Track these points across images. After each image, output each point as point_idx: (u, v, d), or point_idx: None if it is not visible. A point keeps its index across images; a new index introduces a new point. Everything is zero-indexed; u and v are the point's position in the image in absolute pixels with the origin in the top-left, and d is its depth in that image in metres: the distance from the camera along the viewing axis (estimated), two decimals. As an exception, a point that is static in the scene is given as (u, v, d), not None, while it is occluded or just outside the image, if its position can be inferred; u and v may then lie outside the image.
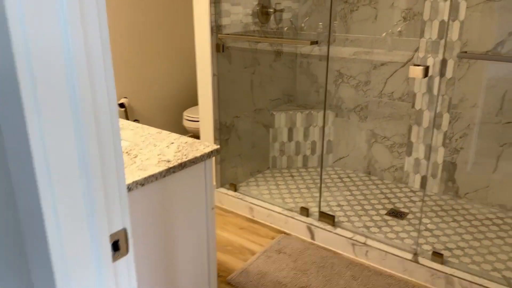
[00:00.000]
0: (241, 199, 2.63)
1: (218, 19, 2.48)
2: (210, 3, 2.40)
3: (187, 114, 3.17)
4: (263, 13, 2.76)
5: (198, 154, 1.25)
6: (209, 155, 1.28)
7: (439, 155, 2.74)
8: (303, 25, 3.15)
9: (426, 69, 1.77)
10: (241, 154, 2.89)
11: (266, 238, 2.39)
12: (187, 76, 3.56)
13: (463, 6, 2.44)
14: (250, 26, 2.71)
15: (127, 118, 3.12)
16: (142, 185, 1.09)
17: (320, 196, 2.53)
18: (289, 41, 2.84)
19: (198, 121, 3.09)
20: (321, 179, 2.50)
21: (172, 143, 1.35)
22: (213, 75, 2.53)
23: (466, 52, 1.75)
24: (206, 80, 2.55)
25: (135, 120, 3.21)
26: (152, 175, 1.12)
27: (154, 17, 3.17)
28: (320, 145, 3.17)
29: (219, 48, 2.50)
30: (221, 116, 2.65)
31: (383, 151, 2.97)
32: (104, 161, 0.57)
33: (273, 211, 2.50)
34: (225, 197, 2.70)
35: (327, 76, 3.12)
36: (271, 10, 2.79)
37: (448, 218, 2.48)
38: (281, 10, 2.89)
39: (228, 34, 2.50)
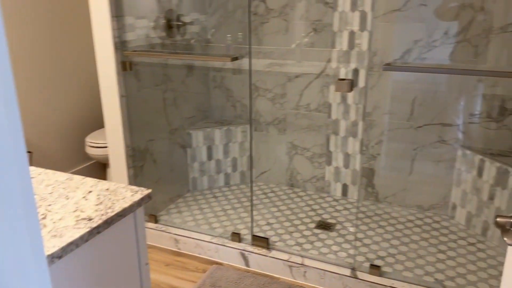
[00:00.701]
0: (163, 231, 2.39)
1: (122, 34, 2.23)
2: (111, 16, 2.13)
3: (90, 140, 2.82)
4: (170, 26, 2.56)
5: (126, 204, 1.03)
6: (139, 203, 1.07)
7: (357, 163, 2.80)
8: (210, 37, 3.01)
9: (352, 82, 1.74)
10: (159, 180, 2.64)
11: (196, 272, 2.19)
12: (88, 97, 3.19)
13: (370, 17, 2.51)
14: (156, 40, 2.49)
15: (17, 150, 2.66)
16: (60, 257, 0.85)
17: (252, 220, 2.40)
18: (207, 58, 2.68)
19: (104, 147, 2.76)
20: (251, 201, 2.37)
21: (90, 192, 1.10)
22: (121, 96, 2.26)
23: (389, 64, 1.76)
24: (113, 102, 2.27)
25: (28, 152, 2.76)
26: (72, 243, 0.88)
27: (46, 33, 2.76)
28: (242, 161, 3.05)
29: (125, 66, 2.24)
30: (133, 141, 2.38)
31: (304, 162, 2.95)
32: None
33: (201, 240, 2.30)
34: (145, 231, 2.43)
35: (250, 90, 3.02)
36: (178, 23, 2.60)
37: (374, 224, 2.53)
38: (189, 23, 2.71)
39: (135, 51, 2.25)
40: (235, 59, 1.97)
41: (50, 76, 2.87)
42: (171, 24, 2.57)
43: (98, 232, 0.95)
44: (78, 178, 1.19)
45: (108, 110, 2.30)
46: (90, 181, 1.17)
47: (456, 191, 2.54)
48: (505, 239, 0.78)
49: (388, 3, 2.45)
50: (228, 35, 2.97)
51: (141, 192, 1.10)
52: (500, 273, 2.06)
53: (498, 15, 2.24)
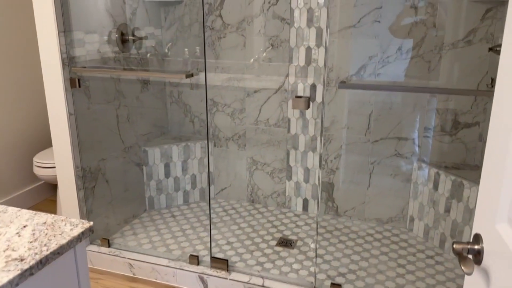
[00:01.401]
0: (117, 255, 2.27)
1: (70, 50, 2.12)
2: (58, 32, 2.02)
3: (38, 160, 2.66)
4: (123, 40, 2.46)
5: (63, 240, 0.94)
6: (79, 238, 0.98)
7: (317, 177, 2.79)
8: (167, 51, 2.93)
9: (308, 100, 1.73)
10: (112, 200, 2.52)
11: (153, 298, 2.09)
12: (36, 115, 3.02)
13: (326, 33, 2.52)
14: (109, 54, 2.39)
15: (-45, 173, 2.47)
16: (-18, 308, 0.75)
17: (210, 241, 2.33)
18: (161, 75, 2.59)
19: (52, 167, 2.61)
20: (210, 220, 2.30)
21: (25, 226, 1.00)
22: (69, 114, 2.14)
23: (344, 82, 1.75)
24: (61, 121, 2.15)
25: (-32, 174, 2.56)
26: (-3, 289, 0.78)
27: (-16, 46, 2.59)
28: (201, 178, 2.97)
29: (74, 83, 2.13)
30: (83, 161, 2.26)
31: (264, 177, 2.91)
32: None
33: (157, 264, 2.20)
34: (97, 256, 2.30)
35: (207, 105, 2.95)
36: (132, 37, 2.51)
37: (334, 239, 2.51)
38: (143, 38, 2.63)
39: (85, 67, 2.14)
40: (190, 75, 1.91)
41: (-7, 93, 2.70)
42: (124, 38, 2.48)
43: (31, 274, 0.85)
44: (12, 210, 1.09)
45: (56, 129, 2.17)
46: (26, 213, 1.07)
47: (413, 204, 2.58)
48: (462, 268, 0.76)
49: (343, 20, 2.48)
50: (186, 49, 2.91)
51: (81, 225, 1.01)
52: (459, 286, 2.09)
53: (449, 32, 2.30)
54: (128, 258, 2.24)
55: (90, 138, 2.30)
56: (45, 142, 3.11)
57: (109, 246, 2.33)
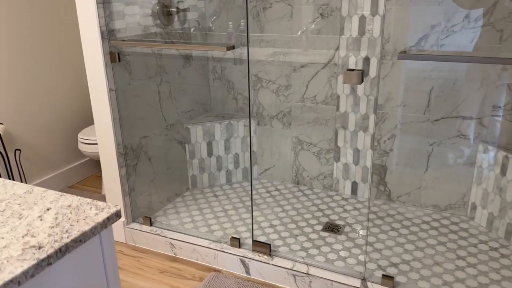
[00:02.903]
0: (158, 234, 2.23)
1: (110, 22, 2.04)
2: (97, 3, 1.94)
3: (82, 136, 2.65)
4: (164, 13, 2.36)
5: (86, 227, 0.85)
6: (104, 224, 0.89)
7: (368, 159, 2.60)
8: (211, 25, 2.81)
9: (362, 73, 1.54)
10: (155, 179, 2.47)
11: (193, 280, 2.02)
12: (79, 90, 3.02)
13: (382, 0, 2.28)
14: (151, 28, 2.30)
15: (4, 149, 2.51)
16: (-8, 302, 0.68)
17: (252, 224, 2.22)
18: (201, 47, 2.47)
19: (96, 143, 2.60)
20: (252, 204, 2.19)
21: (48, 209, 0.93)
22: (110, 90, 2.09)
23: (405, 52, 1.55)
24: (102, 97, 2.09)
25: (17, 150, 2.61)
26: (11, 281, 0.71)
27: (32, 22, 2.59)
28: (244, 157, 2.87)
29: (114, 57, 2.06)
30: (124, 138, 2.21)
31: (311, 158, 2.76)
32: None
33: (198, 245, 2.13)
34: (139, 234, 2.27)
35: (249, 81, 2.82)
36: (174, 9, 2.40)
37: (386, 226, 2.33)
38: (186, 10, 2.51)
39: (124, 41, 2.06)
40: (231, 48, 1.77)
41: (37, 70, 2.71)
42: (166, 11, 2.37)
43: (49, 264, 0.77)
44: (39, 191, 1.02)
45: (97, 106, 2.13)
46: (51, 195, 0.99)
47: (477, 190, 2.33)
48: None
49: (403, -16, 2.22)
50: (230, 23, 2.77)
51: (108, 209, 0.92)
52: (528, 284, 1.87)
53: (527, -5, 2.00)
54: (170, 238, 2.20)
55: (132, 114, 2.24)
56: (90, 119, 3.12)
57: (151, 225, 2.29)
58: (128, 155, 2.25)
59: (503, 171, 2.15)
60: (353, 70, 1.56)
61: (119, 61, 2.08)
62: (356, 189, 2.69)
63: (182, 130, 2.66)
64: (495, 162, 2.19)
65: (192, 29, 2.74)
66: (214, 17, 2.79)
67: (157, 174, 2.49)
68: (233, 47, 1.77)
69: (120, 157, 2.20)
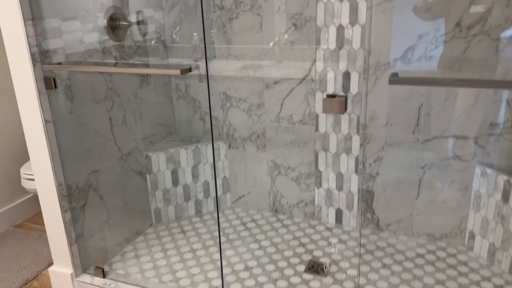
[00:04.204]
0: (113, 288, 1.89)
1: (43, 42, 1.70)
2: (24, 20, 1.61)
3: (25, 171, 2.29)
4: (114, 27, 2.03)
5: None
6: None
7: (353, 184, 2.32)
8: (174, 36, 2.49)
9: (345, 100, 1.25)
10: (109, 219, 2.13)
11: None
12: (19, 120, 2.65)
13: (363, 7, 2.01)
14: (96, 45, 1.97)
15: None
16: None
17: (221, 268, 1.92)
18: (149, 70, 2.13)
19: (43, 178, 2.24)
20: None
21: None
22: (46, 121, 1.74)
23: (397, 74, 1.27)
24: (36, 130, 1.75)
25: None
26: None
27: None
28: (215, 184, 2.56)
29: (49, 83, 1.72)
30: (68, 177, 1.87)
31: (289, 184, 2.46)
32: None
33: (160, 301, 1.81)
34: (91, 288, 1.93)
35: (209, 99, 2.51)
36: (125, 23, 2.07)
37: (376, 262, 2.05)
38: (139, 23, 2.19)
39: (60, 63, 1.73)
40: (186, 71, 1.46)
41: (-27, 94, 2.34)
42: (115, 25, 2.04)
43: None
44: None
45: (32, 141, 1.78)
46: None
47: (475, 217, 2.08)
48: None
49: (385, -11, 1.96)
50: (195, 34, 2.46)
51: None
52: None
53: (526, 0, 1.76)
54: (126, 292, 1.86)
55: (77, 148, 1.90)
56: (40, 146, 2.75)
57: (104, 276, 1.96)
58: (73, 196, 1.91)
59: (505, 198, 1.90)
60: (334, 96, 1.27)
61: (56, 87, 1.74)
62: (340, 217, 2.41)
63: (142, 159, 2.33)
64: (495, 187, 1.95)
65: (153, 42, 2.42)
66: (178, 28, 2.47)
67: (112, 213, 2.15)
68: (190, 70, 1.46)
69: (63, 200, 1.85)
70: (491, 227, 2.00)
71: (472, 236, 2.11)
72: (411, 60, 2.02)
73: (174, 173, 2.44)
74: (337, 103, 1.23)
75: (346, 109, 1.27)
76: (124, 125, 2.18)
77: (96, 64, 1.85)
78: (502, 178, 1.90)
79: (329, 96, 1.26)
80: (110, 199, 2.12)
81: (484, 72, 1.92)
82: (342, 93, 2.16)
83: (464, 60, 1.91)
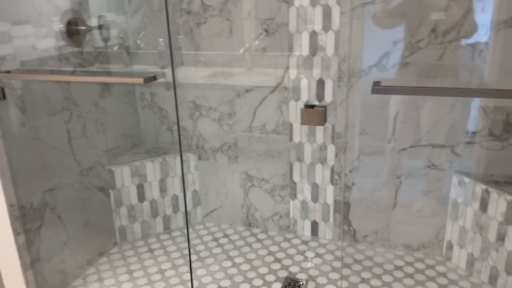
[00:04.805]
0: (73, 318, 1.72)
1: (-10, 48, 1.53)
2: (-34, 22, 1.43)
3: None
4: (71, 32, 1.87)
5: None
6: None
7: (329, 195, 2.24)
8: (139, 42, 2.34)
9: (325, 111, 1.16)
10: (68, 240, 1.95)
11: None
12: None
13: (336, 13, 1.94)
14: (52, 51, 1.81)
15: None
16: None
17: (192, 291, 1.78)
18: (110, 79, 1.98)
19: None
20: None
21: None
22: (-5, 137, 1.57)
23: (379, 83, 1.19)
24: (-16, 145, 1.57)
25: None
26: None
27: None
28: (184, 198, 2.42)
29: (-3, 93, 1.55)
30: (21, 196, 1.69)
31: (263, 196, 2.36)
32: None
33: (125, 330, 1.65)
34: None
35: (177, 107, 2.38)
36: (83, 28, 1.92)
37: (355, 277, 1.97)
38: (100, 27, 2.04)
39: (9, 72, 1.56)
40: (150, 79, 1.33)
41: None
42: (73, 29, 1.89)
43: None
44: None
45: (-23, 157, 1.60)
46: None
47: (452, 227, 2.04)
48: None
49: (358, -6, 1.90)
50: (161, 40, 2.32)
51: None
52: None
53: (501, 5, 1.73)
54: (87, 322, 1.70)
55: (30, 164, 1.72)
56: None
57: (62, 305, 1.78)
58: (27, 217, 1.73)
59: (483, 207, 1.87)
60: (312, 106, 1.18)
61: (5, 97, 1.57)
62: (316, 230, 2.32)
63: (104, 174, 2.17)
64: (473, 196, 1.91)
65: (115, 48, 2.27)
66: (143, 33, 2.33)
67: (72, 234, 1.97)
68: (155, 78, 1.34)
69: (15, 222, 1.67)
70: (469, 237, 1.96)
71: (450, 246, 2.07)
72: (386, 67, 1.97)
73: (140, 187, 2.29)
74: (316, 114, 1.14)
75: (325, 120, 1.18)
76: (84, 137, 2.01)
77: (52, 72, 1.69)
78: (480, 187, 1.87)
79: (307, 106, 1.16)
80: (69, 218, 1.94)
81: (460, 79, 1.89)
82: (320, 103, 2.08)
83: (440, 66, 1.87)
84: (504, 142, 1.87)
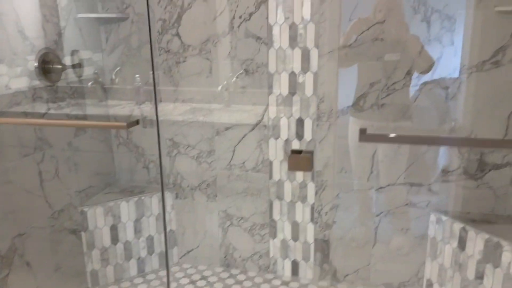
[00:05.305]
0: None
1: (-40, 88, 1.46)
2: None
3: None
4: (46, 71, 1.82)
5: None
6: None
7: (309, 233, 2.22)
8: (114, 77, 2.31)
9: (311, 156, 1.16)
10: (38, 287, 1.84)
11: None
12: None
13: (314, 55, 1.98)
14: (25, 90, 1.74)
15: None
16: None
17: None
18: (89, 124, 1.92)
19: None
20: None
21: None
22: (-39, 181, 1.47)
23: (365, 130, 1.21)
24: (-51, 191, 1.47)
25: None
26: None
27: None
28: (160, 239, 2.33)
29: (-34, 136, 1.46)
30: (-12, 244, 1.58)
31: (242, 235, 2.31)
32: None
33: None
34: None
35: (159, 144, 2.33)
36: (58, 66, 1.87)
37: (338, 319, 1.94)
38: (75, 66, 2.00)
39: (-20, 113, 1.49)
40: (133, 124, 1.30)
41: None
42: (48, 68, 1.84)
43: None
44: None
45: None
46: None
47: (432, 265, 2.05)
48: None
49: (336, 38, 1.95)
50: (137, 75, 2.29)
51: None
52: None
53: (471, 50, 1.82)
54: None
55: (-2, 209, 1.63)
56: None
57: None
58: (-7, 266, 1.61)
59: (462, 245, 1.89)
60: (299, 152, 1.17)
61: (-26, 140, 1.49)
62: (297, 269, 2.28)
63: (76, 215, 2.07)
64: (451, 235, 1.94)
65: (90, 83, 2.22)
66: (118, 68, 2.30)
67: (42, 281, 1.85)
68: (137, 123, 1.30)
69: (-21, 272, 1.56)
70: (448, 275, 1.97)
71: (430, 284, 2.07)
72: (363, 108, 2.01)
73: (114, 229, 2.20)
74: (304, 160, 1.14)
75: (313, 166, 1.18)
76: (57, 178, 1.93)
77: (25, 114, 1.62)
78: (457, 226, 1.90)
79: (294, 152, 1.16)
80: (39, 264, 1.83)
81: (435, 120, 1.95)
82: (300, 141, 2.09)
83: (415, 107, 1.93)
84: (479, 181, 1.93)
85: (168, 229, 2.36)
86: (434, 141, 1.30)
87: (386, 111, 1.97)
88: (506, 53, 1.78)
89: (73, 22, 1.99)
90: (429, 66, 1.84)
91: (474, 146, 1.46)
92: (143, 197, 2.26)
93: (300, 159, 1.16)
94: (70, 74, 2.06)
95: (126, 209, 2.22)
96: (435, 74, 1.87)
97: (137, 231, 2.26)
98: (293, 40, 1.98)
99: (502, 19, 1.76)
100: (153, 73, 2.07)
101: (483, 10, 1.78)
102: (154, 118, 2.31)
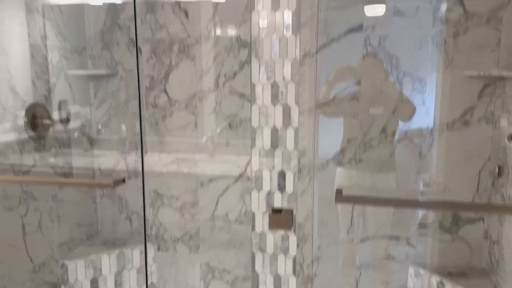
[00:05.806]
0: None
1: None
2: None
3: None
4: (36, 125, 1.87)
5: None
6: None
7: (291, 287, 2.22)
8: (100, 127, 2.36)
9: (291, 214, 1.21)
10: None
11: None
12: None
13: (295, 111, 2.08)
14: (13, 145, 1.78)
15: None
16: None
17: None
18: (77, 181, 1.96)
19: None
20: None
21: None
22: None
23: (341, 191, 1.28)
24: None
25: None
26: None
27: None
28: (140, 293, 2.31)
29: (-49, 191, 1.48)
30: (-36, 302, 1.56)
31: (224, 288, 2.30)
32: None
33: None
34: None
35: (144, 194, 2.36)
36: (48, 121, 1.92)
37: None
38: (63, 121, 2.05)
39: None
40: (119, 182, 1.34)
41: None
42: (37, 122, 1.89)
43: None
44: None
45: None
46: None
47: (412, 318, 2.07)
48: None
49: (315, 96, 2.06)
50: (123, 126, 2.35)
51: None
52: None
53: (442, 110, 1.94)
54: None
55: (-23, 264, 1.61)
56: None
57: None
58: (-32, 325, 1.58)
59: (440, 299, 1.93)
60: (279, 211, 1.22)
61: (-41, 196, 1.50)
62: (279, 323, 2.26)
63: (57, 269, 2.05)
64: (430, 288, 1.98)
65: (76, 134, 2.27)
66: (105, 119, 2.36)
67: None
68: (123, 181, 1.35)
69: (-47, 332, 1.52)
70: (429, 329, 1.99)
71: (411, 339, 2.08)
72: (342, 162, 2.09)
73: (94, 282, 2.17)
74: (284, 219, 1.19)
75: (293, 224, 1.23)
76: (39, 231, 1.93)
77: (12, 165, 1.66)
78: (435, 279, 1.94)
79: (274, 210, 1.21)
80: (15, 322, 1.79)
81: (409, 175, 2.04)
82: (282, 194, 2.14)
83: (391, 163, 2.02)
84: (454, 235, 1.99)
85: (149, 282, 2.33)
86: (411, 204, 1.37)
87: (364, 166, 2.05)
88: (474, 114, 1.91)
89: (63, 79, 2.07)
90: (412, 111, 1.94)
91: (447, 209, 1.53)
92: (124, 250, 2.25)
93: (280, 219, 1.21)
94: (58, 126, 2.10)
95: (107, 262, 2.20)
96: (408, 132, 1.98)
97: (118, 284, 2.23)
98: (275, 97, 2.09)
99: (470, 82, 1.90)
100: (141, 126, 2.13)
101: (451, 74, 1.92)
102: (139, 169, 2.36)
